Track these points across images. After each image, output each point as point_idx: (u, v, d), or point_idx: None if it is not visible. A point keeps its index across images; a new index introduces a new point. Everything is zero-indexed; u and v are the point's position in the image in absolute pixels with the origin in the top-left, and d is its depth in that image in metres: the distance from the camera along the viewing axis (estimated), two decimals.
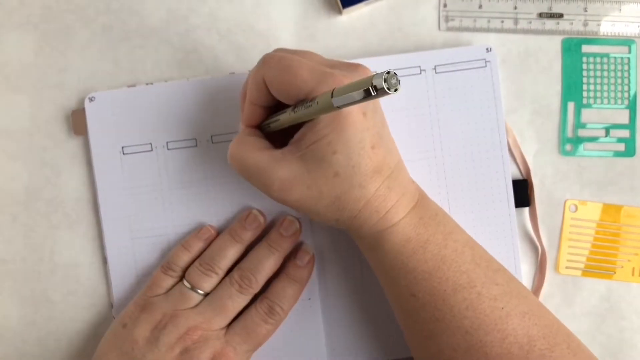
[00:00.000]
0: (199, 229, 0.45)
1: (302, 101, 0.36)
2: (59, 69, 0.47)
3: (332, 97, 0.32)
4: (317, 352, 0.45)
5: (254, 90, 0.38)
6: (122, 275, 0.46)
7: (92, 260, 0.47)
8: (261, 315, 0.43)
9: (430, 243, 0.38)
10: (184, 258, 0.44)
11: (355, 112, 0.35)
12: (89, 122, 0.46)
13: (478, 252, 0.39)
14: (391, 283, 0.39)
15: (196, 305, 0.42)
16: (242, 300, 0.42)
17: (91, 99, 0.45)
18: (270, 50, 0.47)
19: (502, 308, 0.37)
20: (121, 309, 0.44)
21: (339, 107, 0.32)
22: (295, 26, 0.47)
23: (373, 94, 0.29)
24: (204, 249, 0.44)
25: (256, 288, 0.43)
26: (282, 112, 0.38)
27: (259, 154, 0.38)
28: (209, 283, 0.42)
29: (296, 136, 0.37)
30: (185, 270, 0.44)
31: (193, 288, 0.42)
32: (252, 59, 0.47)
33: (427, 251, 0.38)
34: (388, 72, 0.28)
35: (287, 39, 0.47)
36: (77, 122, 0.46)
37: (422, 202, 0.39)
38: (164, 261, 0.44)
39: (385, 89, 0.28)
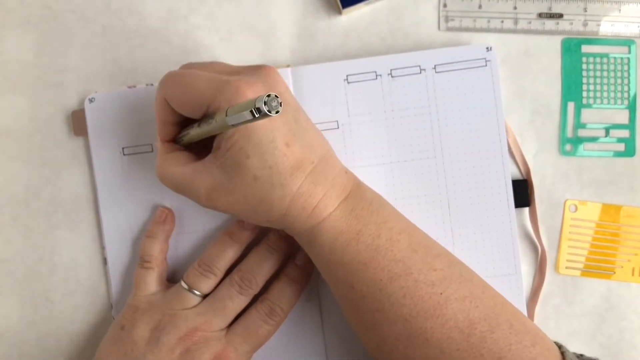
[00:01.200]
0: (155, 214, 0.45)
1: (206, 115, 0.37)
2: (59, 69, 0.47)
3: (226, 115, 0.33)
4: (316, 353, 0.45)
5: (160, 109, 0.39)
6: (122, 276, 0.46)
7: (92, 260, 0.47)
8: (261, 316, 0.42)
9: (363, 234, 0.38)
10: (153, 247, 0.44)
11: None
12: (89, 123, 0.46)
13: (416, 239, 0.39)
14: (331, 277, 0.39)
15: (195, 306, 0.42)
16: (242, 301, 0.42)
17: (91, 100, 0.45)
18: (267, 50, 0.47)
19: (441, 293, 0.37)
20: (121, 309, 0.44)
21: (234, 126, 0.33)
22: (295, 26, 0.47)
23: (256, 115, 0.30)
24: (170, 231, 0.45)
25: (256, 289, 0.43)
26: (191, 126, 0.39)
27: (183, 169, 0.39)
28: (206, 284, 0.42)
29: (214, 145, 0.38)
30: (160, 259, 0.44)
31: (190, 289, 0.42)
32: (252, 59, 0.47)
33: (360, 242, 0.38)
34: (269, 95, 0.29)
35: (287, 39, 0.47)
36: (77, 122, 0.46)
37: (355, 192, 0.39)
38: (139, 257, 0.44)
39: (266, 111, 0.29)
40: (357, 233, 0.38)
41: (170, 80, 0.38)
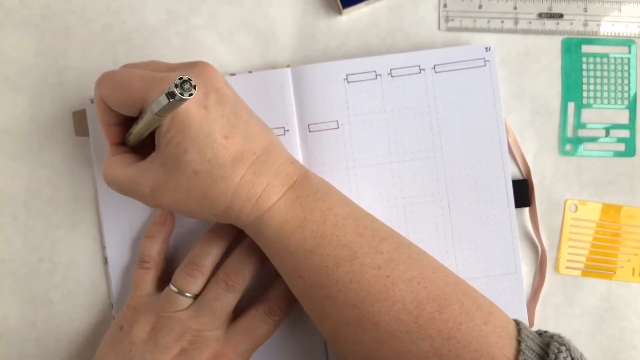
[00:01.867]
0: (155, 214, 0.45)
1: (142, 112, 0.37)
2: (59, 69, 0.47)
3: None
4: (316, 353, 0.45)
5: (99, 111, 0.39)
6: (122, 275, 0.46)
7: (92, 260, 0.47)
8: (260, 315, 0.42)
9: (308, 221, 0.38)
10: (152, 247, 0.44)
11: (195, 108, 0.36)
12: (90, 124, 0.46)
13: (362, 223, 0.39)
14: (281, 268, 0.40)
15: (188, 308, 0.42)
16: (230, 300, 0.42)
17: (92, 100, 0.45)
18: (267, 50, 0.47)
19: (388, 276, 0.37)
20: (121, 309, 0.44)
21: (159, 115, 0.33)
22: (295, 26, 0.47)
23: (170, 99, 0.31)
24: (169, 232, 0.45)
25: (243, 284, 0.42)
26: (134, 125, 0.39)
27: (126, 170, 0.39)
28: (195, 285, 0.42)
29: (155, 143, 0.38)
30: (158, 260, 0.44)
31: (180, 292, 0.42)
32: (252, 59, 0.47)
33: (306, 230, 0.38)
34: (181, 79, 0.30)
35: (287, 39, 0.47)
36: (78, 123, 0.46)
37: (301, 181, 0.39)
38: (139, 257, 0.44)
39: (179, 94, 0.30)
40: (302, 221, 0.38)
41: (105, 80, 0.38)
